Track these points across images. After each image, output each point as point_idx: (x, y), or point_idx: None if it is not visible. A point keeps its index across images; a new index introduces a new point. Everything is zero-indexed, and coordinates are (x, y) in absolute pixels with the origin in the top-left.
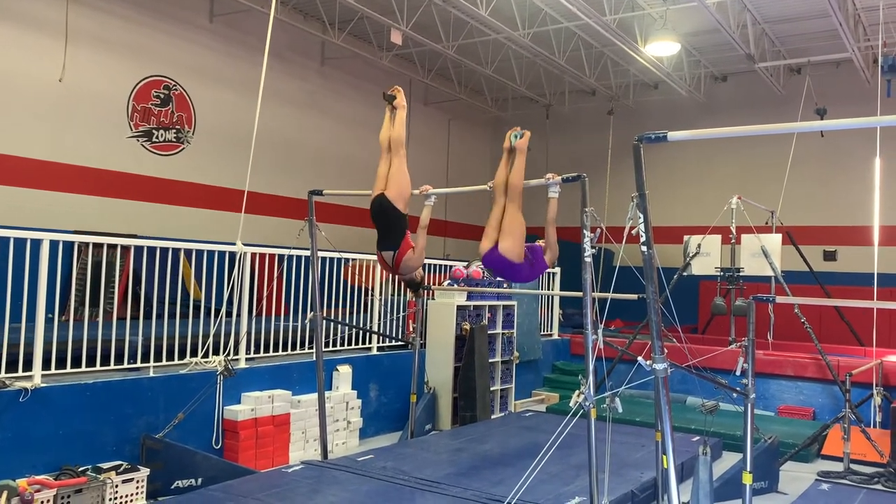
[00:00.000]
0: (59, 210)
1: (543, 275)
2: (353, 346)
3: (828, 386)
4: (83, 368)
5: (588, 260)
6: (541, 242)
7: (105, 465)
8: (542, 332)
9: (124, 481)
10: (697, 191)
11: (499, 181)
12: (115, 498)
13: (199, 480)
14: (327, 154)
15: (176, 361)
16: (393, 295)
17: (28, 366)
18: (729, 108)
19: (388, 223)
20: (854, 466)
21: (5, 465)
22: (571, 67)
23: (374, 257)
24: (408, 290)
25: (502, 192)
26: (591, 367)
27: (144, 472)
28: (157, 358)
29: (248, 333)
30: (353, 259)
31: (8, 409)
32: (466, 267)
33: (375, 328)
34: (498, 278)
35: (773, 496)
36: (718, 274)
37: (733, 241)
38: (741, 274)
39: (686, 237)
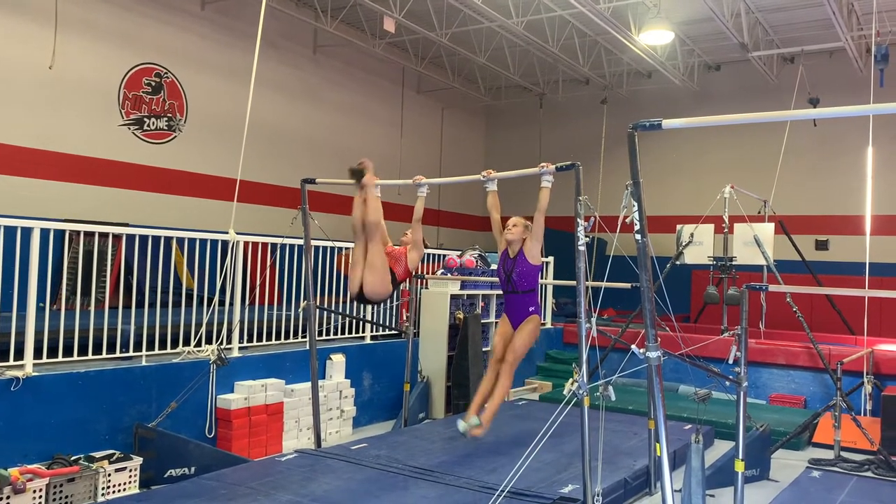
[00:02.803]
0: (50, 198)
1: None
2: (346, 335)
3: (819, 374)
4: (75, 357)
5: (582, 249)
6: (513, 227)
7: (98, 454)
8: None
9: (117, 470)
10: (690, 180)
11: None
12: (108, 486)
13: (193, 469)
14: (320, 142)
15: (168, 350)
16: None
17: (19, 354)
18: (722, 98)
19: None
20: (844, 454)
21: None
22: (565, 56)
23: None
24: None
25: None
26: (584, 356)
27: (137, 460)
28: (150, 347)
29: (241, 322)
30: (346, 248)
31: None
32: (460, 256)
33: (369, 317)
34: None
35: (765, 483)
36: (711, 263)
37: (726, 230)
38: (734, 263)
39: (679, 226)
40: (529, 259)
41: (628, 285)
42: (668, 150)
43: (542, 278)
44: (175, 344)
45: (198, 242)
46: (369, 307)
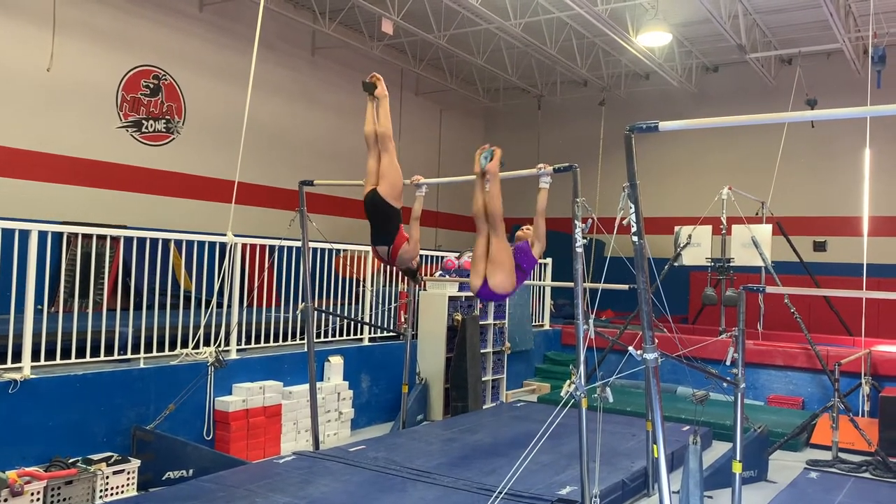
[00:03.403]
0: (48, 201)
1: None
2: (344, 337)
3: (817, 375)
4: (73, 360)
5: (579, 250)
6: (526, 229)
7: (96, 457)
8: (533, 323)
9: (115, 472)
10: (688, 181)
11: (477, 209)
12: (106, 489)
13: (191, 471)
14: (318, 144)
15: (166, 353)
16: (384, 286)
17: (17, 357)
18: (720, 99)
19: (382, 219)
20: (842, 455)
21: None
22: (563, 58)
23: (366, 248)
24: (404, 278)
25: (483, 220)
26: (582, 357)
27: (135, 463)
28: (148, 349)
29: (239, 324)
30: (344, 250)
31: None
32: (458, 258)
33: (367, 319)
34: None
35: (763, 485)
36: (709, 264)
37: (724, 231)
38: (732, 264)
39: (677, 228)
40: (532, 250)
41: (626, 287)
42: (666, 152)
43: (540, 279)
44: (173, 346)
45: (196, 244)
46: (366, 309)
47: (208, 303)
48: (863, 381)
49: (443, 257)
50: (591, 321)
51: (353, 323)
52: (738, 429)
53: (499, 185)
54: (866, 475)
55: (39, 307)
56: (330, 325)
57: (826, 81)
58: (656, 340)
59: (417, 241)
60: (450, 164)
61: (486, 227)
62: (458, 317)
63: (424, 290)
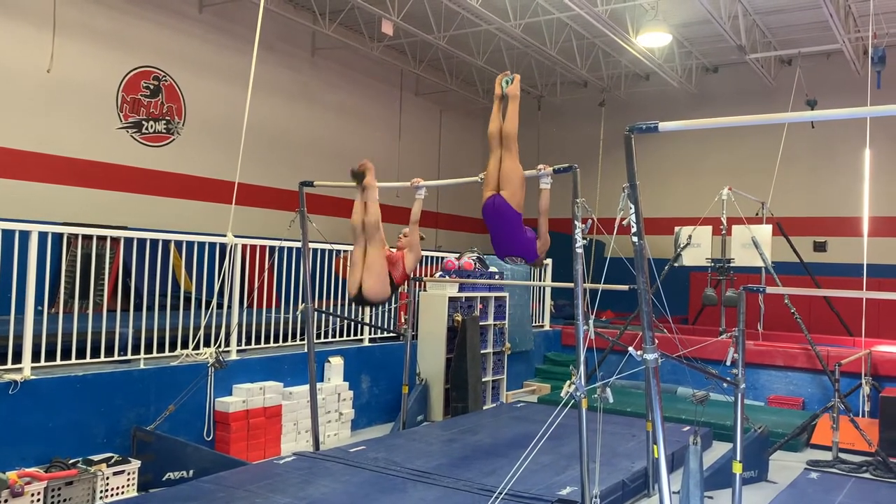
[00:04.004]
0: (48, 202)
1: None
2: (344, 338)
3: (817, 376)
4: (73, 361)
5: (579, 251)
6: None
7: (96, 458)
8: (533, 324)
9: (115, 473)
10: (688, 182)
11: (492, 131)
12: (106, 490)
13: (191, 472)
14: (318, 145)
15: (167, 353)
16: None
17: (18, 358)
18: (720, 100)
19: (375, 305)
20: (843, 455)
21: None
22: (563, 59)
23: None
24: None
25: (497, 142)
26: (582, 358)
27: (135, 463)
28: (148, 350)
29: (240, 325)
30: (344, 251)
31: None
32: (458, 258)
33: (367, 320)
34: (491, 250)
35: (763, 485)
36: (709, 265)
37: (724, 232)
38: (732, 265)
39: (677, 228)
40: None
41: (626, 287)
42: (666, 153)
43: (540, 280)
44: (173, 347)
45: (196, 245)
46: (367, 309)
47: (208, 304)
48: (863, 381)
49: (443, 258)
50: (591, 322)
51: (353, 323)
52: (738, 429)
53: (518, 106)
54: (866, 475)
55: (40, 308)
56: (330, 325)
57: (826, 82)
58: (656, 341)
59: (417, 245)
60: (449, 165)
61: (499, 149)
62: (458, 317)
63: (424, 290)
